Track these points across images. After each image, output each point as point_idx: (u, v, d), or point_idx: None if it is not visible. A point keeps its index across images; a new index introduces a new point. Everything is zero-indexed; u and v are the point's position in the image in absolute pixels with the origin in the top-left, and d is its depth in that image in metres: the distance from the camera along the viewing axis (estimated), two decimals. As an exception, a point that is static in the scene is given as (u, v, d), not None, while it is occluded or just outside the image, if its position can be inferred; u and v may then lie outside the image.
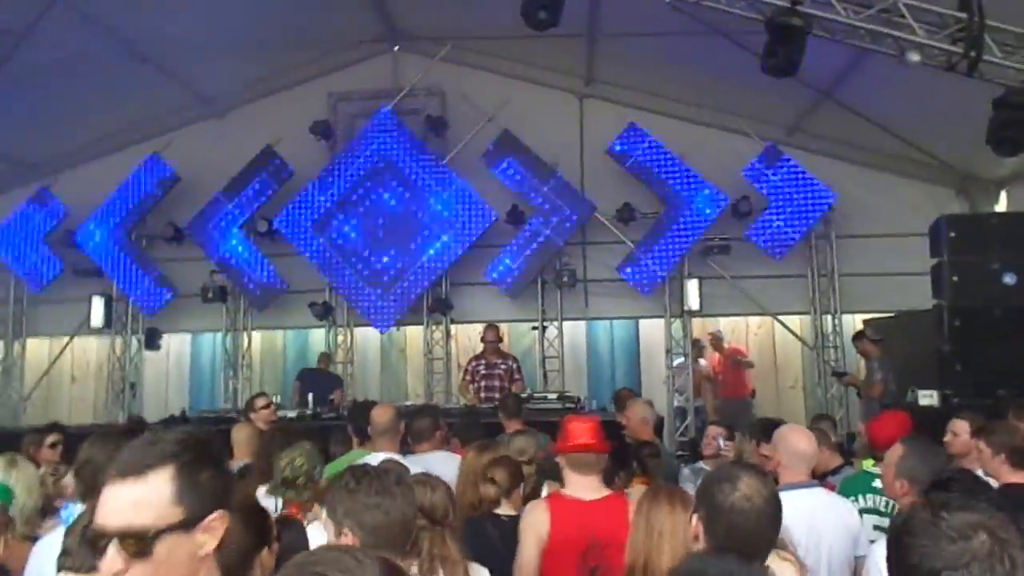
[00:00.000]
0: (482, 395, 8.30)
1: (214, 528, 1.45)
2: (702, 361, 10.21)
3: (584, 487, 3.26)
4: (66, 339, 10.73)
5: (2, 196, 10.62)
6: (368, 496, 2.10)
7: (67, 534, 2.17)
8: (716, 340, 10.16)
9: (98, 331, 10.46)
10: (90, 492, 2.54)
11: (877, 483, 3.61)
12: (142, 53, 8.78)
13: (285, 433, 4.30)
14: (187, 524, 1.42)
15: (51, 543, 2.58)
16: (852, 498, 3.67)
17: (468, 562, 2.67)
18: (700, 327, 10.38)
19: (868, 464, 4.08)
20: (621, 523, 3.12)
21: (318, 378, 9.28)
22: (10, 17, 6.75)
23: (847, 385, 8.90)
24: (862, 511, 3.59)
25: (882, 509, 3.65)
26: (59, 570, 2.10)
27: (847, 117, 8.64)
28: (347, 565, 1.21)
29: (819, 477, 3.83)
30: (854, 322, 9.31)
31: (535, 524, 3.14)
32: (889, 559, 1.57)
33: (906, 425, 4.31)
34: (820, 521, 3.10)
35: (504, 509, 3.58)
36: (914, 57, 6.05)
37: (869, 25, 6.09)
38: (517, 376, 8.51)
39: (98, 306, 10.24)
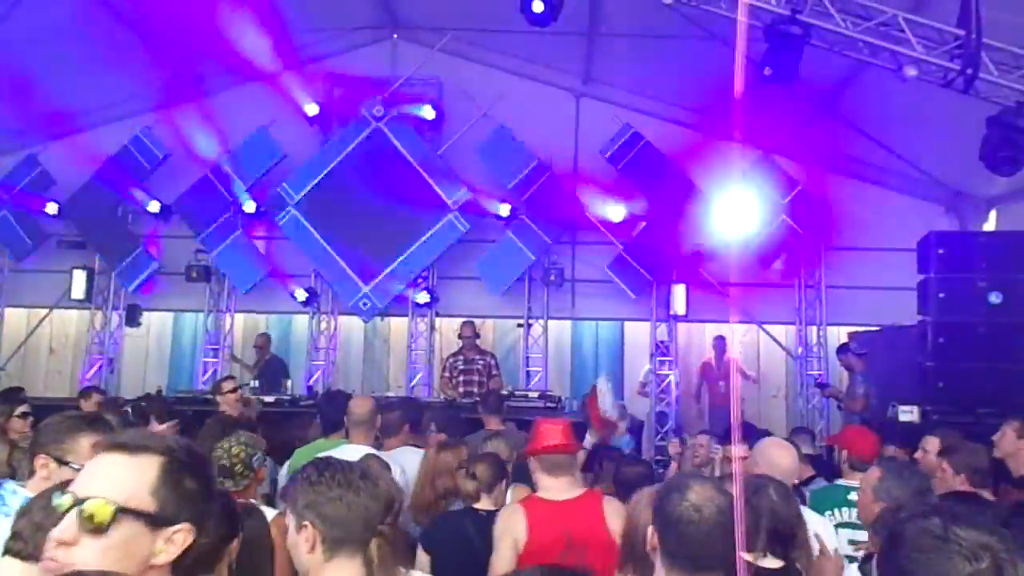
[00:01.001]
0: (460, 390, 8.28)
1: (175, 540, 1.40)
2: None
3: (558, 489, 3.24)
4: (45, 311, 10.61)
5: (-13, 163, 10.46)
6: (330, 489, 2.04)
7: (19, 515, 2.08)
8: (720, 345, 9.90)
9: (79, 304, 10.34)
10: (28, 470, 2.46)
11: (852, 496, 3.57)
12: (135, 25, 8.67)
13: (223, 423, 4.26)
14: (154, 520, 1.37)
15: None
16: (827, 512, 3.65)
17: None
18: (685, 332, 10.36)
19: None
20: (597, 522, 3.12)
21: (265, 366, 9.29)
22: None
23: (829, 397, 8.92)
24: (837, 526, 3.57)
25: (857, 521, 3.59)
26: (4, 553, 1.97)
27: (840, 129, 8.64)
28: None
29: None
30: (839, 334, 9.32)
31: (511, 528, 3.10)
32: (887, 572, 1.47)
33: (876, 441, 4.33)
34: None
35: (483, 504, 3.55)
36: (911, 71, 6.05)
37: (868, 37, 6.09)
38: (495, 372, 8.52)
39: (80, 279, 10.14)
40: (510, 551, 3.05)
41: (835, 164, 9.68)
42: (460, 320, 10.14)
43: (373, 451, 4.01)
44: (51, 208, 10.12)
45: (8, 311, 10.73)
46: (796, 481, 3.64)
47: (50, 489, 2.22)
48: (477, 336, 8.88)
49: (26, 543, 1.96)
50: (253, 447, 3.33)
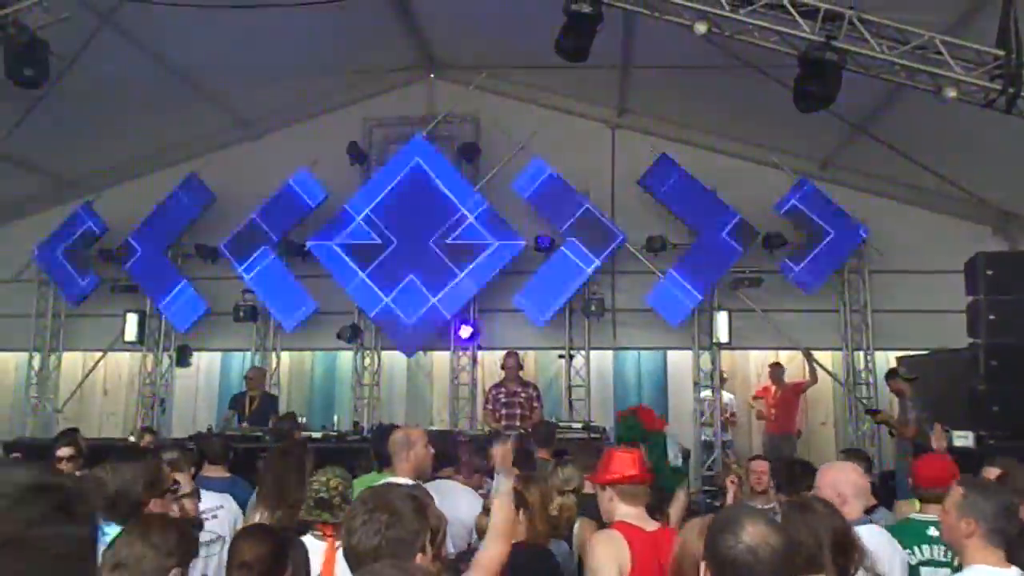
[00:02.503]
0: (503, 423, 8.28)
1: None
2: (727, 395, 10.04)
3: (637, 517, 3.19)
4: (100, 354, 10.92)
5: (46, 211, 10.88)
6: (352, 520, 2.11)
7: (117, 547, 2.21)
8: (776, 372, 9.69)
9: (131, 346, 10.64)
10: (125, 515, 2.60)
11: (932, 531, 3.47)
12: (185, 76, 9.02)
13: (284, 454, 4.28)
14: None
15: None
16: (907, 551, 3.57)
17: None
18: (729, 360, 10.26)
19: (914, 507, 3.88)
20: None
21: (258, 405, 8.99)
22: (62, 41, 6.96)
23: (880, 423, 8.72)
24: (920, 564, 3.49)
25: (941, 559, 3.49)
26: None
27: (882, 151, 8.56)
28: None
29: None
30: (887, 359, 9.16)
31: (616, 555, 2.99)
32: None
33: (951, 466, 4.21)
34: (884, 555, 3.04)
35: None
36: (951, 93, 6.01)
37: (905, 61, 6.06)
38: (536, 404, 8.48)
39: (132, 322, 10.44)
40: None
41: (877, 187, 9.60)
42: (502, 352, 10.23)
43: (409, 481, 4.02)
44: (105, 254, 10.48)
45: (65, 355, 11.06)
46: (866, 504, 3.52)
47: (143, 520, 2.39)
48: (520, 367, 8.88)
49: (131, 571, 2.11)
50: (348, 480, 3.42)
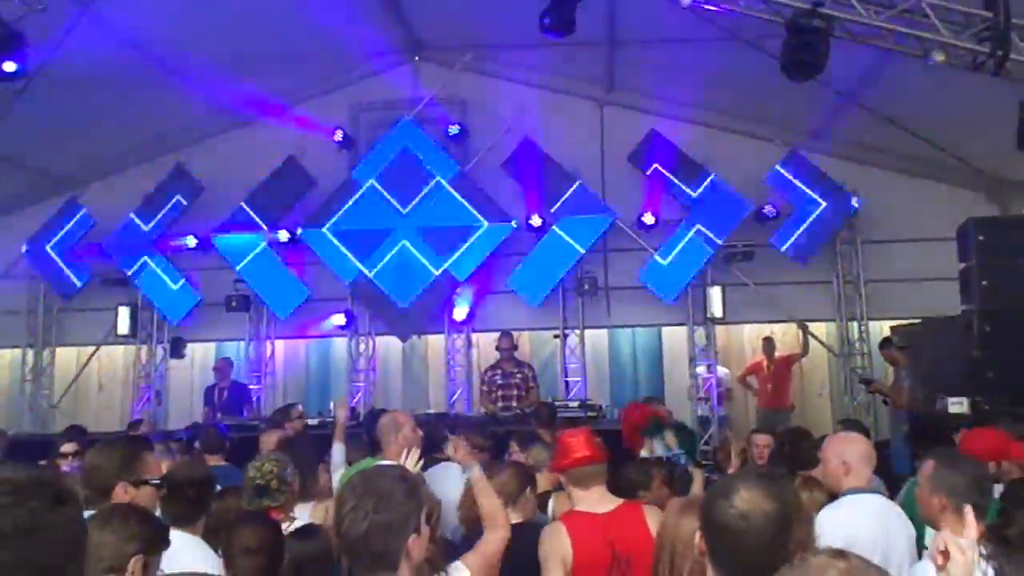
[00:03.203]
0: (499, 404, 8.27)
1: None
2: (722, 369, 10.04)
3: (594, 500, 3.19)
4: (93, 348, 10.88)
5: (33, 207, 10.80)
6: (341, 507, 2.08)
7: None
8: (768, 346, 9.68)
9: (124, 340, 10.59)
10: (98, 497, 2.57)
11: None
12: (168, 65, 8.91)
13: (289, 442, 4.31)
14: None
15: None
16: None
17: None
18: (724, 335, 10.26)
19: None
20: (640, 533, 3.05)
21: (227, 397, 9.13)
22: (41, 33, 6.87)
23: (874, 392, 8.75)
24: None
25: None
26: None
27: (871, 120, 8.53)
28: None
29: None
30: (881, 329, 9.16)
31: (558, 549, 3.02)
32: None
33: (1002, 438, 4.19)
34: (889, 526, 3.06)
35: (510, 516, 3.52)
36: (939, 57, 5.96)
37: (892, 26, 6.01)
38: (532, 384, 8.48)
39: (124, 315, 10.39)
40: (560, 570, 2.99)
41: (868, 156, 9.56)
42: (497, 334, 10.21)
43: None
44: (95, 248, 10.42)
45: (59, 350, 11.02)
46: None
47: (105, 508, 2.34)
48: (515, 347, 8.86)
49: (90, 559, 2.06)
50: (283, 462, 3.41)
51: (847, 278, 9.70)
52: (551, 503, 3.82)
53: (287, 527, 3.09)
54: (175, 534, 2.38)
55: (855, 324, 9.66)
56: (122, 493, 2.56)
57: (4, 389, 11.22)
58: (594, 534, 3.04)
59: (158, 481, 2.66)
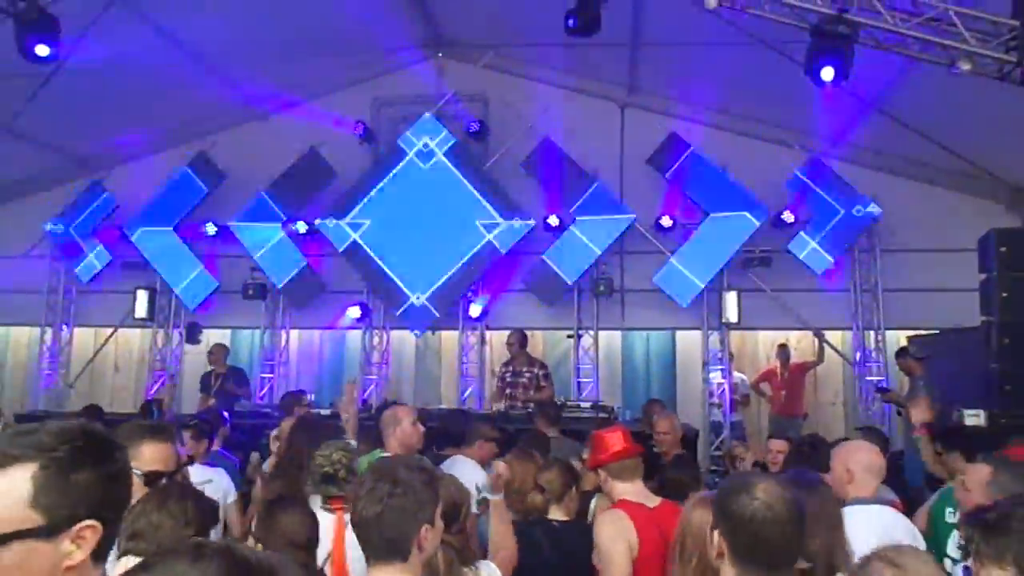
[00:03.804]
0: (506, 403, 8.27)
1: (83, 538, 1.27)
2: (738, 374, 10.02)
3: (637, 494, 3.17)
4: (110, 330, 11.01)
5: (57, 189, 10.95)
6: (359, 489, 2.10)
7: (134, 517, 2.21)
8: (783, 353, 9.60)
9: (141, 323, 10.71)
10: None
11: None
12: (194, 55, 9.01)
13: (308, 427, 4.31)
14: (46, 531, 1.24)
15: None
16: (949, 510, 3.54)
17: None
18: (739, 340, 10.23)
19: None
20: None
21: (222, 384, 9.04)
22: (72, 18, 6.97)
23: (889, 402, 8.69)
24: (954, 525, 3.46)
25: None
26: (124, 554, 2.15)
27: (893, 128, 8.47)
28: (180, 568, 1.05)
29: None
30: (897, 338, 9.09)
31: (623, 532, 2.96)
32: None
33: None
34: (895, 539, 2.97)
35: (555, 514, 3.54)
36: (965, 66, 5.92)
37: (918, 33, 5.98)
38: (543, 384, 8.41)
39: (142, 299, 10.50)
40: (626, 558, 2.91)
41: (889, 164, 9.50)
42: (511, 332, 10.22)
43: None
44: (116, 231, 10.56)
45: (77, 330, 11.17)
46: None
47: (160, 490, 2.37)
48: (523, 345, 8.82)
49: (148, 542, 2.09)
50: (352, 452, 3.42)
51: (864, 286, 9.63)
52: (593, 503, 3.82)
53: (347, 518, 3.09)
54: None
55: (871, 333, 9.60)
56: None
57: (21, 366, 11.39)
58: (650, 524, 3.02)
59: (140, 472, 2.44)
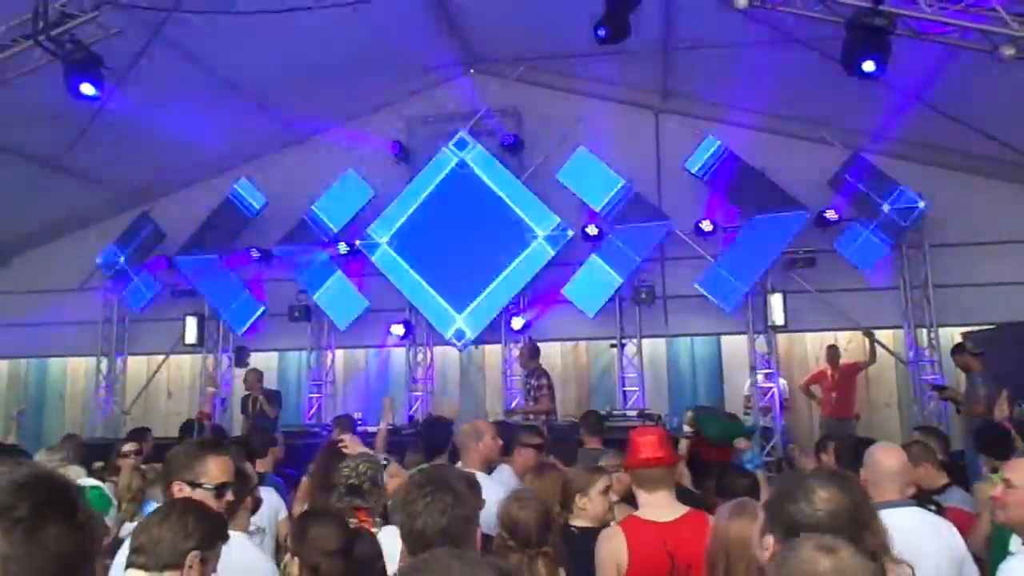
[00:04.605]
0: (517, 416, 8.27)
1: None
2: (782, 380, 9.82)
3: (658, 506, 3.08)
4: (162, 357, 11.27)
5: (107, 222, 11.28)
6: (412, 504, 2.11)
7: (138, 532, 2.22)
8: (833, 354, 9.37)
9: (192, 349, 10.95)
10: (165, 494, 2.65)
11: None
12: (232, 84, 9.24)
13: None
14: None
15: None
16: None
17: None
18: (785, 343, 10.05)
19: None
20: (703, 544, 2.98)
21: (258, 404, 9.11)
22: (116, 55, 7.20)
23: (947, 399, 8.44)
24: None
25: None
26: (128, 567, 2.13)
27: (937, 120, 8.28)
28: (455, 570, 1.08)
29: (922, 496, 3.54)
30: (951, 335, 8.85)
31: (613, 553, 2.95)
32: None
33: None
34: (918, 543, 2.87)
35: (577, 520, 3.51)
36: (1008, 51, 5.78)
37: (958, 21, 5.85)
38: (541, 394, 8.29)
39: (192, 325, 10.76)
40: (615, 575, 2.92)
41: (934, 157, 9.28)
42: (555, 344, 10.21)
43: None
44: (164, 260, 10.86)
45: (130, 359, 11.47)
46: (913, 490, 3.30)
47: (165, 505, 2.40)
48: (527, 356, 8.68)
49: (148, 555, 2.12)
50: (377, 465, 3.46)
51: (914, 283, 9.40)
52: (616, 512, 3.78)
53: (374, 529, 3.12)
54: None
55: (924, 331, 9.35)
56: (177, 491, 2.58)
57: (79, 395, 11.72)
58: (652, 542, 2.95)
59: (211, 486, 2.57)
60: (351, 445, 4.13)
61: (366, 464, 3.40)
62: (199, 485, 2.58)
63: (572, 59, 9.44)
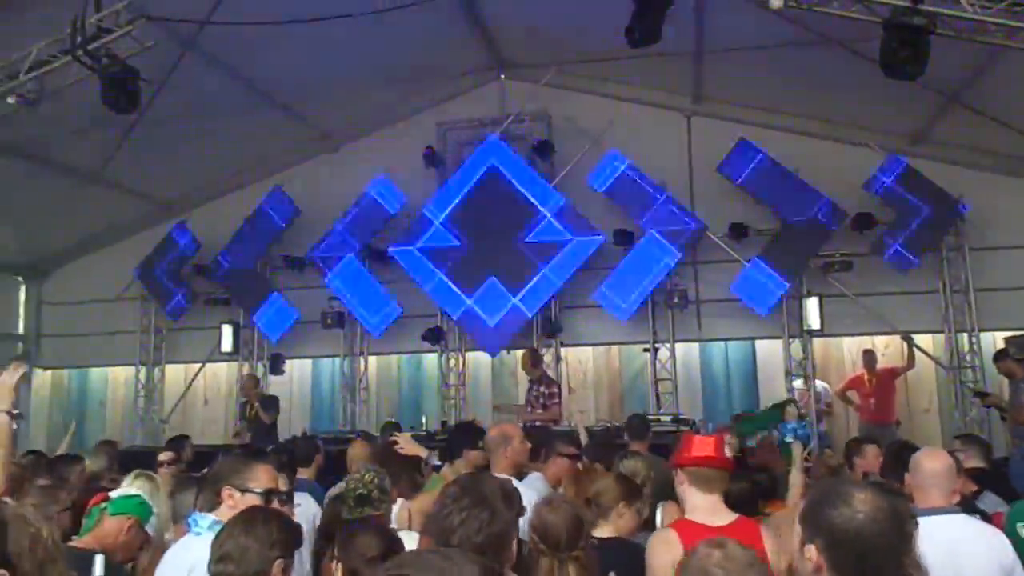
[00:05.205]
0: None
1: None
2: (820, 383, 9.67)
3: (709, 510, 3.01)
4: (199, 365, 11.42)
5: (144, 232, 11.46)
6: (448, 519, 2.10)
7: (222, 540, 2.31)
8: (869, 359, 9.24)
9: (228, 357, 11.08)
10: (214, 499, 2.74)
11: None
12: (265, 93, 9.35)
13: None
14: None
15: (179, 550, 2.73)
16: (1020, 524, 3.33)
17: None
18: (822, 348, 9.89)
19: None
20: (759, 553, 2.92)
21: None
22: (151, 68, 7.31)
23: (991, 406, 8.24)
24: None
25: None
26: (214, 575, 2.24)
27: (978, 121, 8.10)
28: (435, 565, 1.08)
29: (965, 504, 3.48)
30: (994, 340, 8.64)
31: (671, 558, 2.79)
32: None
33: None
34: (963, 553, 2.79)
35: (600, 531, 3.45)
36: (1052, 51, 5.63)
37: (1000, 19, 5.71)
38: (549, 403, 8.21)
39: (227, 334, 10.88)
40: None
41: (974, 159, 9.08)
42: (585, 349, 10.18)
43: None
44: (200, 269, 11.03)
45: (168, 368, 11.64)
46: (958, 497, 3.23)
47: (246, 513, 2.46)
48: (534, 364, 8.60)
49: (237, 564, 2.19)
50: (381, 473, 3.52)
51: (955, 287, 9.20)
52: (659, 512, 3.70)
53: None
54: None
55: (965, 335, 9.15)
56: (227, 496, 2.71)
57: (120, 404, 11.92)
58: None
59: (260, 491, 2.74)
60: (406, 445, 4.28)
61: (371, 473, 3.46)
62: (248, 490, 2.72)
63: (603, 62, 9.38)
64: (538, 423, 7.84)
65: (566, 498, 3.05)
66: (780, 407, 5.42)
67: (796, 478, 4.33)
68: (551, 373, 10.14)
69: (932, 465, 3.08)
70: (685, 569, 2.01)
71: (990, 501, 4.16)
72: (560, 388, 8.59)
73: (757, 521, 3.20)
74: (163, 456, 5.62)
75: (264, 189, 10.87)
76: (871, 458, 4.99)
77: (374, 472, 3.50)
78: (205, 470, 3.52)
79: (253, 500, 2.70)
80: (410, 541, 2.89)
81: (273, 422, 8.95)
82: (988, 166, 9.05)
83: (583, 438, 5.58)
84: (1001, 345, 8.03)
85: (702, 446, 3.10)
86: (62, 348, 11.54)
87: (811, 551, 1.85)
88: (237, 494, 2.71)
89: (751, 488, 3.93)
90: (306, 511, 4.30)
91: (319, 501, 4.58)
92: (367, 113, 10.66)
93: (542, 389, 8.29)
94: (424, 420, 9.31)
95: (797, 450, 4.19)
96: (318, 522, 4.42)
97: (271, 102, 9.57)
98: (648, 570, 2.90)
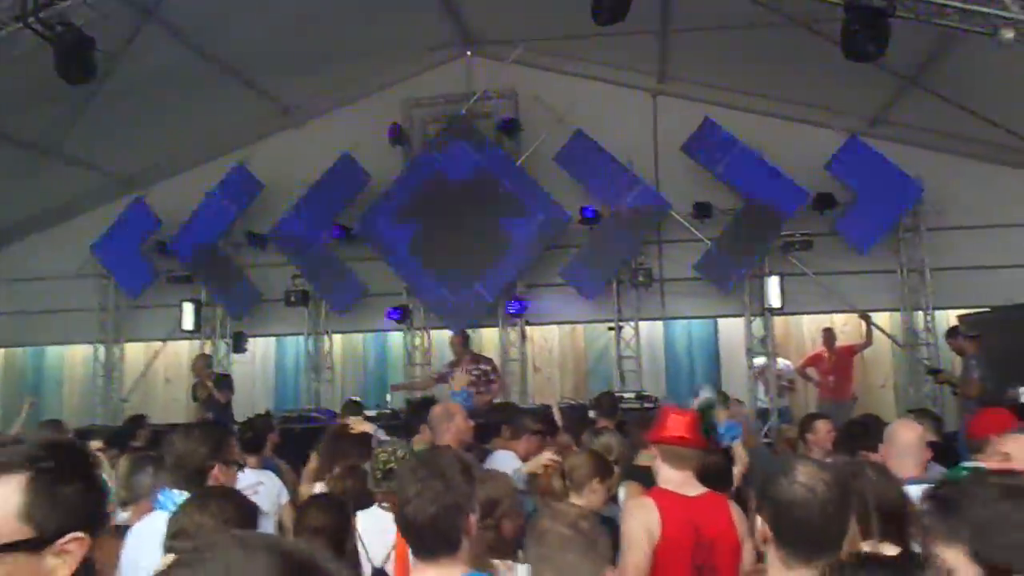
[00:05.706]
0: None
1: (68, 551, 1.26)
2: (783, 360, 9.87)
3: (681, 483, 3.12)
4: (160, 343, 11.25)
5: (102, 208, 11.18)
6: (405, 490, 2.14)
7: (178, 517, 2.32)
8: (829, 337, 9.42)
9: (189, 335, 10.92)
10: (193, 478, 2.73)
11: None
12: (227, 67, 9.16)
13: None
14: (34, 544, 1.23)
15: (144, 530, 2.70)
16: None
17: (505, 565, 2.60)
18: (782, 326, 10.08)
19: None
20: (726, 522, 3.03)
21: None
22: (108, 38, 7.12)
23: (942, 383, 8.48)
24: None
25: None
26: (168, 551, 2.22)
27: (936, 104, 8.26)
28: (232, 564, 0.93)
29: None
30: (947, 318, 8.88)
31: (646, 523, 2.96)
32: None
33: (1008, 422, 4.08)
34: None
35: (576, 501, 3.52)
36: (1007, 35, 5.75)
37: (957, 3, 5.82)
38: (494, 378, 8.30)
39: (189, 311, 10.72)
40: (646, 546, 2.92)
41: (932, 141, 9.26)
42: (553, 327, 10.24)
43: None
44: (160, 246, 10.80)
45: (127, 345, 11.44)
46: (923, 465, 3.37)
47: (201, 492, 2.45)
48: (466, 344, 8.64)
49: (191, 540, 2.19)
50: (410, 449, 3.55)
51: (911, 266, 9.42)
52: (621, 491, 3.79)
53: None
54: None
55: (920, 314, 9.39)
56: (219, 474, 2.74)
57: (78, 382, 11.69)
58: (683, 514, 3.00)
59: (240, 463, 2.87)
60: (356, 424, 4.31)
61: (402, 448, 3.45)
62: (233, 462, 2.86)
63: (569, 40, 9.36)
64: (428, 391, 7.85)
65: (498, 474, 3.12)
66: (708, 409, 5.43)
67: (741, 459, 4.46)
68: (514, 351, 10.24)
69: (907, 436, 3.24)
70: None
71: (935, 472, 4.30)
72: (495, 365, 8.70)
73: (723, 495, 3.30)
74: (94, 444, 5.50)
75: (227, 164, 10.67)
76: (823, 434, 5.12)
77: (405, 448, 3.49)
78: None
79: (235, 472, 2.79)
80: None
81: (228, 401, 8.82)
82: (945, 148, 9.23)
83: (558, 419, 5.66)
84: (954, 323, 8.27)
85: (676, 425, 3.18)
86: (17, 325, 11.26)
87: (759, 522, 1.99)
88: (223, 467, 2.77)
89: (724, 463, 4.06)
90: (271, 489, 4.30)
91: (281, 478, 4.59)
92: (332, 88, 10.51)
93: (483, 367, 8.29)
94: (389, 398, 9.29)
95: (739, 451, 4.37)
96: (283, 500, 4.43)
97: (234, 75, 9.39)
98: (624, 534, 2.99)
